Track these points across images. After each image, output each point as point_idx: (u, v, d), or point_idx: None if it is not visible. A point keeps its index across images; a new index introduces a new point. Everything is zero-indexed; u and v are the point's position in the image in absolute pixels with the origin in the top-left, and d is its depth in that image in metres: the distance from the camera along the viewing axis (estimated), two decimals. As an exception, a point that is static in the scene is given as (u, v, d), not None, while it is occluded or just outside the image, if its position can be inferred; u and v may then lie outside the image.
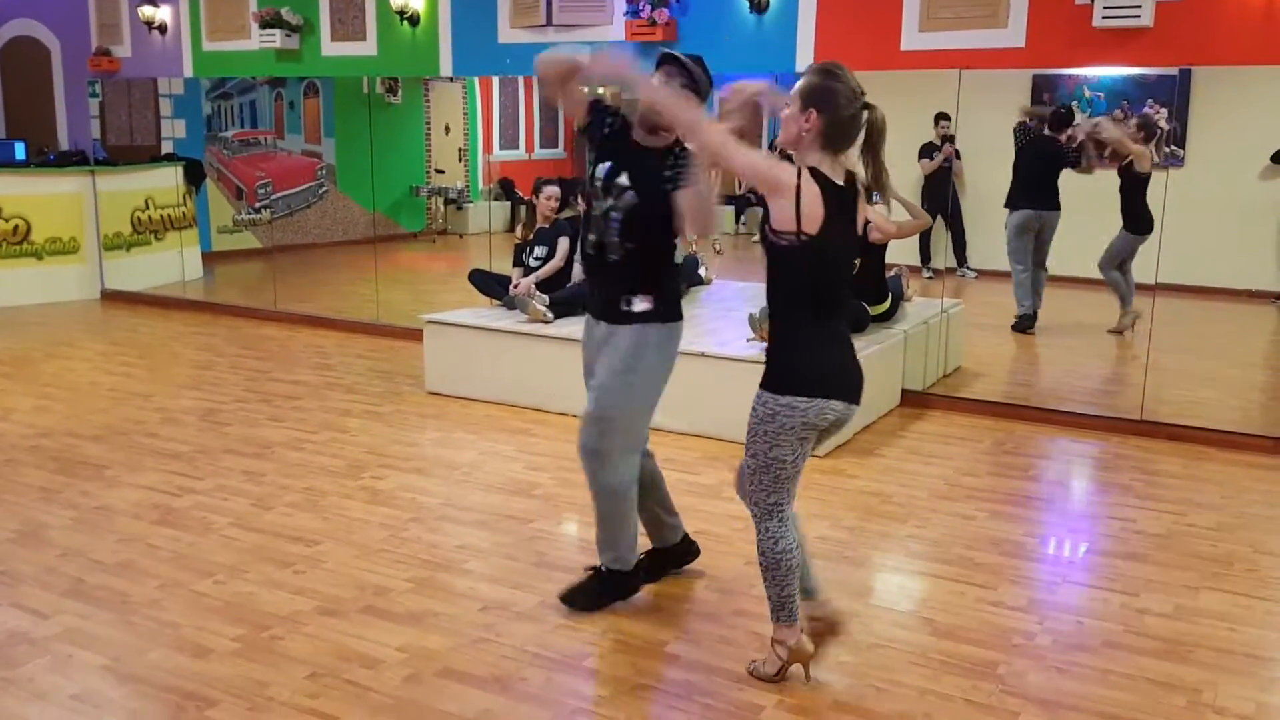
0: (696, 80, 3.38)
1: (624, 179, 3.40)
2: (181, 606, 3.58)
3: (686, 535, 3.89)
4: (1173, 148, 6.86)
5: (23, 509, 4.47)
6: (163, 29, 9.71)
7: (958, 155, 7.56)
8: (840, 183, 2.87)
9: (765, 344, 5.40)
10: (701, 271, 7.63)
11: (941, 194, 7.47)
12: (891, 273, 6.36)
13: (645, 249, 3.43)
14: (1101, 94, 7.37)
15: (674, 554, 3.86)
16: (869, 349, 5.73)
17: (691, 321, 6.25)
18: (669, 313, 3.51)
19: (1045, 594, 3.77)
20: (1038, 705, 3.01)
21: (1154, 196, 5.87)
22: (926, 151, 7.67)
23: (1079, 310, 7.56)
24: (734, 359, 5.43)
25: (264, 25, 8.83)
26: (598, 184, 3.46)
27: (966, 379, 6.81)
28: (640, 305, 3.42)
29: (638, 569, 3.64)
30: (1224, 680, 3.18)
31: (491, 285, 6.72)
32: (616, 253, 3.42)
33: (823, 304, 2.95)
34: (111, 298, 9.71)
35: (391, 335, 8.07)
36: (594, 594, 3.59)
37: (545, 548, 4.10)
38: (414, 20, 8.28)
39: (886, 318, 6.19)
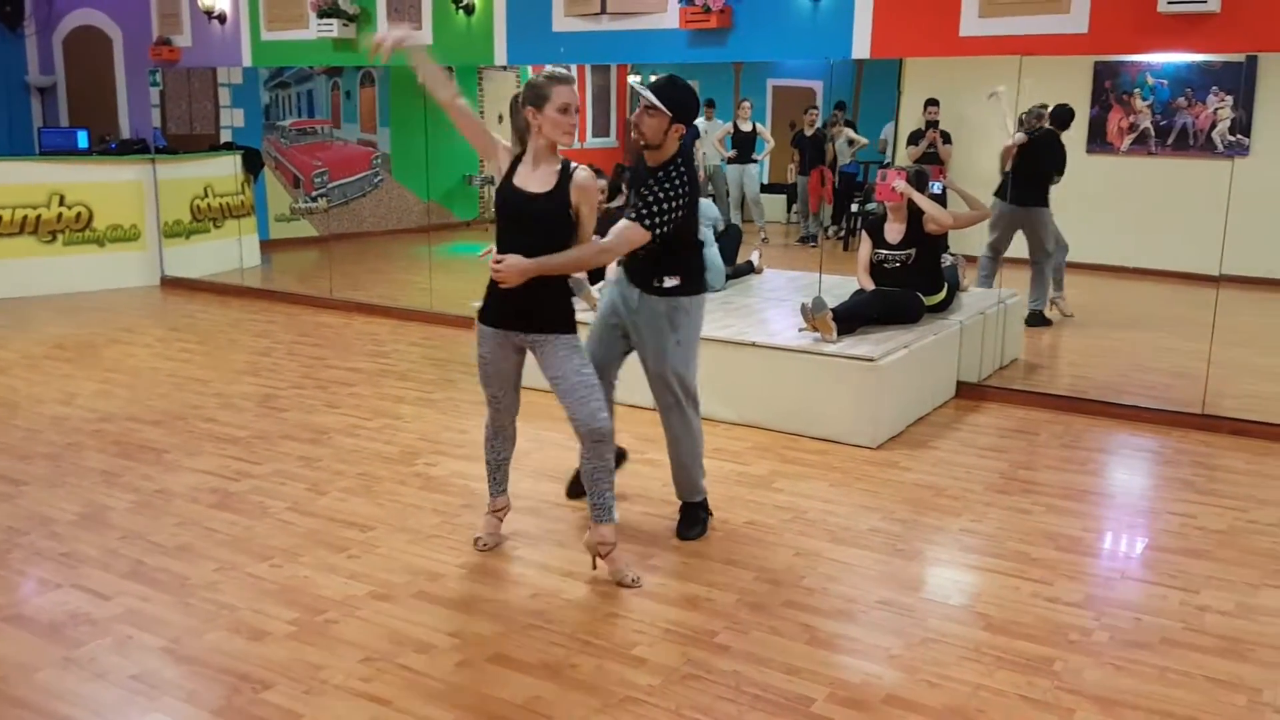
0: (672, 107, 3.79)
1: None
2: (238, 589, 3.63)
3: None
4: (1238, 136, 6.69)
5: (85, 492, 4.57)
6: (222, 19, 9.83)
7: (946, 140, 7.52)
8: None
9: (817, 334, 5.40)
10: (754, 258, 7.59)
11: None
12: (947, 263, 6.29)
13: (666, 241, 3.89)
14: (1165, 81, 7.21)
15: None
16: (924, 339, 5.68)
17: (743, 311, 6.29)
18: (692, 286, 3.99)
19: (1102, 590, 3.71)
20: (1094, 702, 2.97)
21: (1219, 186, 5.72)
22: (914, 138, 7.65)
23: (1136, 302, 7.42)
24: (785, 349, 5.40)
25: (322, 15, 8.91)
26: None
27: (1023, 370, 6.72)
28: (670, 282, 3.93)
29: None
30: (1287, 681, 3.11)
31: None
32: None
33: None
34: (171, 284, 9.89)
35: (444, 323, 8.13)
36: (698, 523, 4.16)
37: (596, 536, 4.10)
38: (469, 9, 8.31)
39: (942, 308, 6.12)
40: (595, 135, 11.28)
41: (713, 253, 6.91)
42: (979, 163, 7.43)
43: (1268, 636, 3.36)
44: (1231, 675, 3.12)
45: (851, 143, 8.59)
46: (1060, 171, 6.99)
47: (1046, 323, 7.30)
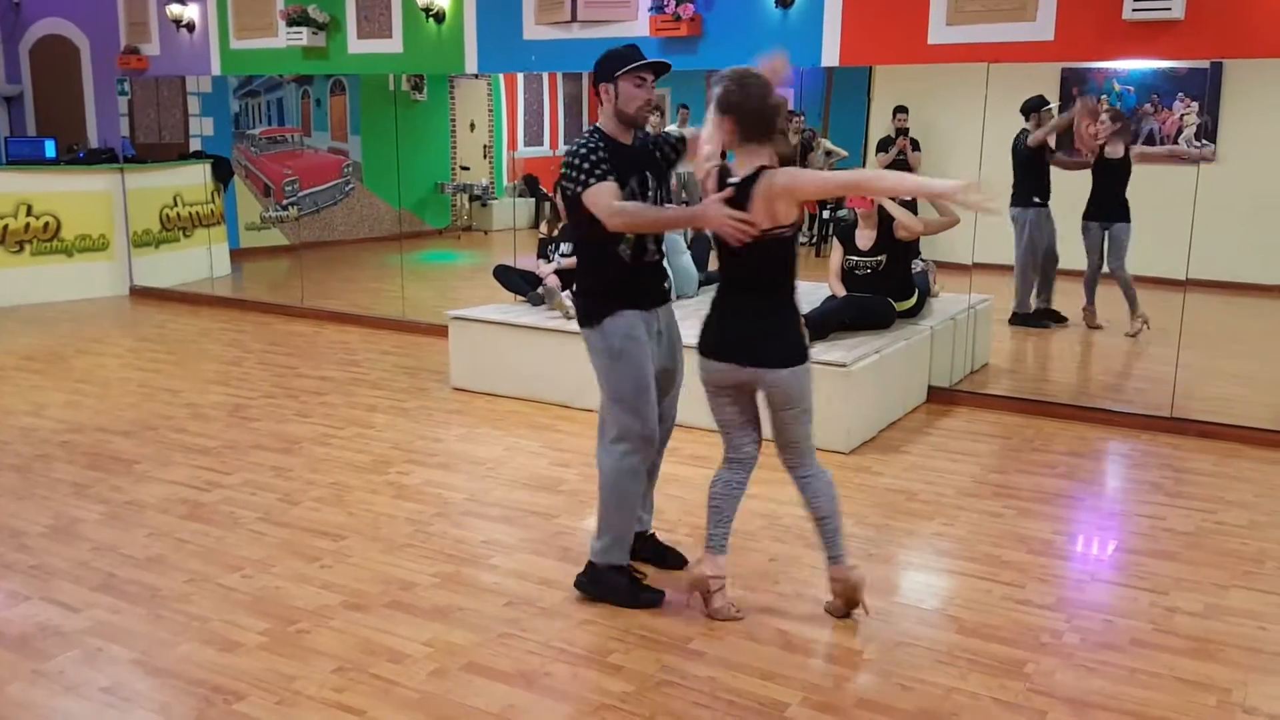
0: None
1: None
2: (210, 600, 3.60)
3: (650, 535, 3.91)
4: (1204, 142, 6.78)
5: (55, 504, 4.52)
6: (191, 27, 9.77)
7: (915, 147, 7.59)
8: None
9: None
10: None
11: None
12: (918, 269, 6.33)
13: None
14: (1131, 88, 7.30)
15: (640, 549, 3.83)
16: (895, 345, 5.71)
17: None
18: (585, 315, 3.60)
19: (1073, 592, 3.74)
20: (1065, 704, 2.99)
21: (1185, 191, 5.79)
22: (883, 145, 7.71)
23: (1104, 306, 7.49)
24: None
25: (291, 23, 8.87)
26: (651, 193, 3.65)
27: (994, 375, 6.77)
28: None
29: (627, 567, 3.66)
30: (1254, 679, 3.14)
31: (515, 281, 6.72)
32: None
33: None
34: (140, 294, 9.80)
35: (417, 331, 8.10)
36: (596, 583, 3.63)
37: (570, 543, 4.10)
38: (439, 17, 8.30)
39: (913, 314, 6.16)
40: (567, 143, 11.27)
41: (685, 260, 6.93)
42: (948, 169, 7.48)
43: (1236, 637, 3.40)
44: (1201, 675, 3.15)
45: (829, 154, 8.63)
46: (1019, 165, 6.99)
47: (1045, 324, 7.34)
